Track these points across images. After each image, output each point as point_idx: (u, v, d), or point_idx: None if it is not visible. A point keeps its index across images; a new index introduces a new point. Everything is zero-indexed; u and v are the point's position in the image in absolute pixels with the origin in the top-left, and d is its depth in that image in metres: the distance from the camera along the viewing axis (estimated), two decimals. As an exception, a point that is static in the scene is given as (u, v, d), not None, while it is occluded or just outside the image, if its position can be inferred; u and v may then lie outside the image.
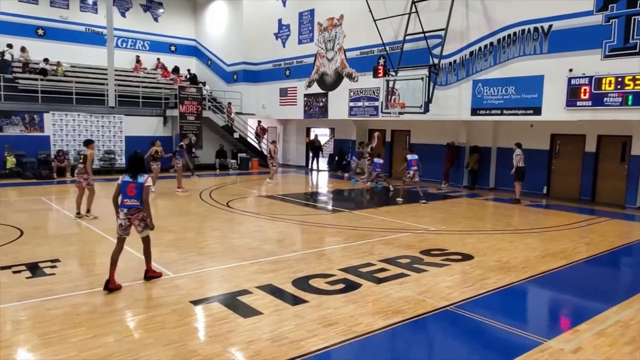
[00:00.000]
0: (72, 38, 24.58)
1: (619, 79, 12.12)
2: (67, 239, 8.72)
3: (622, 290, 6.90)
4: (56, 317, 5.14)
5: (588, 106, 12.80)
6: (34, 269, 6.84)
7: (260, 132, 25.41)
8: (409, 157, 13.94)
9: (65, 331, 4.80)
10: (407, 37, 16.91)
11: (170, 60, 27.71)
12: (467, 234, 9.85)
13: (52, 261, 7.20)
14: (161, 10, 27.72)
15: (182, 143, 16.35)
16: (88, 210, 10.76)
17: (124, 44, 26.46)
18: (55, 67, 21.86)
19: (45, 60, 21.74)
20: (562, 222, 11.37)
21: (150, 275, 6.52)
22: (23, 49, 22.03)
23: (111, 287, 5.99)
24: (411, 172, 13.73)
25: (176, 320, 5.13)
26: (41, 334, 4.74)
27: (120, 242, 6.28)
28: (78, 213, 10.65)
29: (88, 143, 10.74)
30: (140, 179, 6.14)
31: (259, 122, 25.78)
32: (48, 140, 19.10)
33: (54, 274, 6.65)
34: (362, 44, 19.32)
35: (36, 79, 20.29)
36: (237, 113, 24.58)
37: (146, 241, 6.48)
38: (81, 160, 10.79)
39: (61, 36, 24.30)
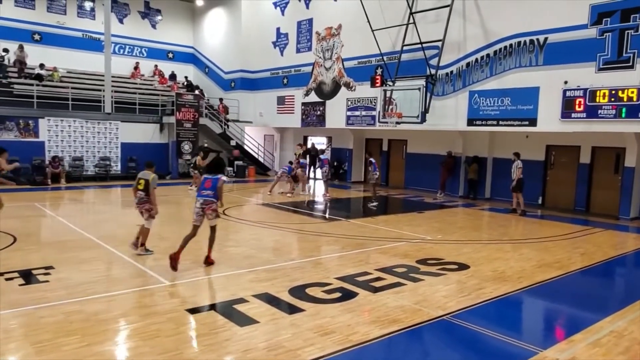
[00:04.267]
0: (69, 44, 24.58)
1: (613, 92, 12.25)
2: (62, 246, 8.65)
3: (617, 301, 6.93)
4: (49, 325, 5.09)
5: (583, 118, 12.92)
6: (27, 276, 6.78)
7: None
8: (372, 159, 15.09)
9: (58, 339, 4.75)
10: (405, 48, 17.03)
11: (167, 67, 27.75)
12: (463, 243, 9.87)
13: (45, 268, 7.14)
14: (159, 17, 27.80)
15: (370, 159, 15.47)
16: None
17: (122, 51, 26.47)
18: (51, 73, 21.83)
19: (41, 65, 21.70)
20: (557, 232, 11.41)
21: (210, 262, 7.57)
22: (21, 48, 21.90)
23: (173, 264, 7.04)
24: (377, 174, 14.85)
25: (172, 329, 5.09)
26: (34, 342, 4.69)
27: (194, 229, 7.33)
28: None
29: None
30: (217, 177, 7.43)
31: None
32: (43, 146, 19.01)
33: (47, 281, 6.59)
34: (360, 54, 19.43)
35: (32, 84, 20.23)
36: (234, 120, 24.60)
37: (213, 230, 7.54)
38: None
39: (58, 42, 24.30)
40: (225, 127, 23.60)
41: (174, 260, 7.06)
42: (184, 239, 7.23)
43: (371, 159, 15.35)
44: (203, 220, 7.38)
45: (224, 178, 7.52)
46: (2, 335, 4.87)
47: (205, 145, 20.66)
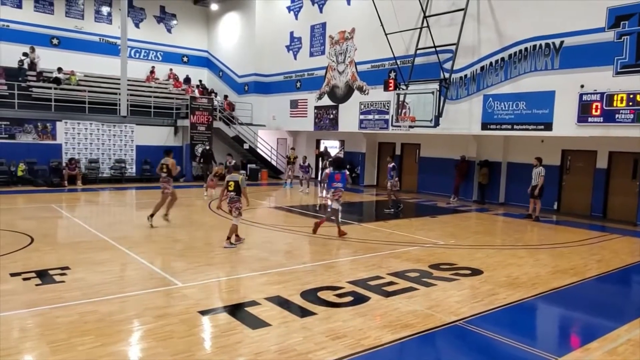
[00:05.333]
0: (86, 48, 24.95)
1: (631, 96, 12.07)
2: (77, 247, 8.77)
3: (634, 309, 6.78)
4: (64, 325, 5.16)
5: (599, 122, 12.74)
6: (44, 276, 6.89)
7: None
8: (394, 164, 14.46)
9: (73, 339, 4.81)
10: (418, 51, 16.98)
11: (182, 71, 28.01)
12: (477, 248, 9.78)
13: (61, 269, 7.24)
14: (174, 22, 28.11)
15: (393, 164, 14.73)
16: (166, 214, 11.23)
17: (137, 55, 26.81)
18: (68, 76, 22.18)
19: (59, 69, 22.07)
20: (573, 238, 11.25)
21: (342, 234, 10.12)
22: (32, 49, 22.26)
23: (341, 235, 10.02)
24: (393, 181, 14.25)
25: (184, 330, 5.13)
26: (49, 341, 4.76)
27: (336, 212, 10.25)
28: (151, 216, 10.89)
29: (168, 153, 11.39)
30: (343, 171, 10.43)
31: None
32: (60, 148, 19.31)
33: (63, 281, 6.68)
34: (373, 58, 19.43)
35: (50, 88, 20.59)
36: (247, 124, 24.74)
37: (336, 212, 10.19)
38: (164, 170, 11.11)
39: (75, 46, 24.68)
40: (226, 124, 23.54)
41: (340, 233, 10.14)
42: (334, 220, 10.33)
43: (394, 164, 14.55)
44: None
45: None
46: (19, 334, 4.96)
47: (207, 148, 21.00)
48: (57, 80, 21.39)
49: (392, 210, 14.26)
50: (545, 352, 4.95)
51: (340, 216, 10.53)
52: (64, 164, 18.83)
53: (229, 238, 9.00)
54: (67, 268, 7.28)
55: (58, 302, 5.82)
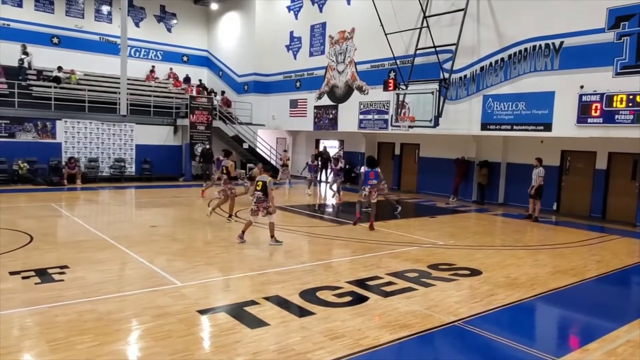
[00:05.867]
0: (86, 47, 24.95)
1: (631, 97, 12.07)
2: (77, 246, 8.77)
3: (633, 310, 6.79)
4: (63, 324, 5.16)
5: (599, 123, 12.74)
6: (43, 274, 6.88)
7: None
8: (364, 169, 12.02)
9: (72, 338, 4.82)
10: (418, 51, 16.99)
11: (182, 71, 28.01)
12: (476, 249, 9.78)
13: (60, 267, 7.24)
14: (174, 21, 28.10)
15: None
16: (230, 216, 11.76)
17: (137, 54, 26.81)
18: (68, 75, 22.18)
19: (59, 68, 22.07)
20: (572, 239, 11.26)
21: (372, 229, 11.10)
22: (24, 47, 22.19)
23: (370, 228, 11.07)
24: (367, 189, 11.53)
25: (183, 330, 5.13)
26: (48, 340, 4.75)
27: (373, 207, 11.27)
28: (230, 216, 11.72)
29: (228, 154, 12.25)
30: (375, 169, 11.25)
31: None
32: (60, 147, 19.31)
33: (62, 280, 6.68)
34: (373, 58, 19.43)
35: (50, 87, 20.58)
36: (247, 124, 24.74)
37: (374, 206, 11.16)
38: (224, 172, 11.89)
39: (76, 45, 24.68)
40: (223, 120, 23.52)
41: (370, 226, 11.19)
42: (370, 214, 11.32)
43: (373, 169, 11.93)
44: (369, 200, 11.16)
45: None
46: (18, 332, 4.96)
47: (207, 147, 21.12)
48: (57, 79, 21.39)
49: (398, 208, 13.84)
50: (543, 352, 4.95)
51: (374, 212, 11.38)
52: (63, 163, 18.83)
53: (272, 237, 9.33)
54: (66, 267, 7.28)
55: (57, 301, 5.82)
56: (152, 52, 27.48)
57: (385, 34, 17.32)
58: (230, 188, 11.80)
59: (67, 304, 5.75)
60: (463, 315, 5.89)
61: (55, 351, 4.53)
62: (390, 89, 17.13)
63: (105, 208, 14.65)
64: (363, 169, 12.18)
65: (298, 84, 23.74)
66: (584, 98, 12.99)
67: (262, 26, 25.16)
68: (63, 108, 19.89)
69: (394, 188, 20.20)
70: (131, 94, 22.00)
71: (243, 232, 9.44)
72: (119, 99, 21.00)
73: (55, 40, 24.15)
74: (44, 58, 22.84)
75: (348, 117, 20.83)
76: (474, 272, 7.89)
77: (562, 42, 13.50)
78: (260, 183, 9.20)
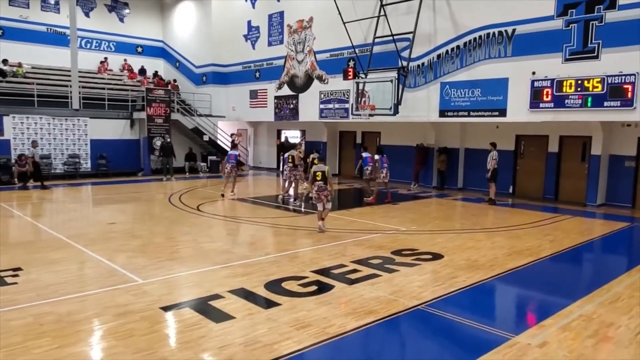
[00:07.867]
0: (33, 38, 23.83)
1: (579, 82, 12.57)
2: (30, 246, 8.42)
3: (585, 285, 7.14)
4: (18, 328, 4.95)
5: (550, 108, 13.22)
6: (-5, 278, 6.58)
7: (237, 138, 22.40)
8: (364, 154, 14.45)
9: (28, 342, 4.63)
10: (376, 40, 17.09)
11: (137, 62, 27.18)
12: (437, 233, 10.01)
13: (13, 270, 6.94)
14: (127, 11, 27.17)
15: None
16: (295, 199, 13.73)
17: (89, 45, 25.81)
18: (15, 69, 21.12)
19: (4, 61, 20.98)
20: (527, 220, 11.69)
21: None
22: None
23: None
24: (369, 169, 14.18)
25: (146, 328, 5.02)
26: (3, 345, 4.55)
27: (382, 185, 13.89)
28: (295, 199, 13.81)
29: (294, 146, 14.44)
30: (381, 156, 13.45)
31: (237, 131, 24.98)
32: (8, 144, 18.41)
33: (15, 283, 6.40)
34: (332, 47, 19.40)
35: (-5, 81, 19.56)
36: (206, 115, 24.29)
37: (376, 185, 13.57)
38: (290, 161, 13.73)
39: (21, 36, 23.53)
40: (177, 109, 23.08)
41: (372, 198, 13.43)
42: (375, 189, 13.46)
43: (363, 154, 14.40)
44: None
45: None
46: (-31, 340, 4.73)
47: (167, 141, 20.76)
48: (2, 73, 20.33)
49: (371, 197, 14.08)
50: (503, 330, 5.14)
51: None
52: (13, 161, 17.96)
53: (323, 219, 9.99)
54: (19, 269, 6.98)
55: (11, 305, 5.57)
56: (104, 43, 26.52)
57: (344, 23, 17.32)
58: (295, 174, 13.75)
59: (22, 307, 5.53)
60: (426, 298, 6.03)
61: (10, 356, 4.35)
62: (349, 77, 17.18)
63: (59, 206, 14.11)
64: (364, 154, 14.28)
65: (257, 74, 23.48)
66: (535, 84, 13.43)
67: (218, 15, 24.67)
68: (10, 103, 18.95)
69: (357, 176, 20.31)
70: (83, 87, 21.14)
71: (322, 219, 9.98)
72: (71, 92, 20.15)
73: (-2, 31, 22.92)
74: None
75: (309, 106, 20.79)
76: (436, 257, 8.08)
77: (514, 30, 13.87)
78: (319, 173, 9.91)
